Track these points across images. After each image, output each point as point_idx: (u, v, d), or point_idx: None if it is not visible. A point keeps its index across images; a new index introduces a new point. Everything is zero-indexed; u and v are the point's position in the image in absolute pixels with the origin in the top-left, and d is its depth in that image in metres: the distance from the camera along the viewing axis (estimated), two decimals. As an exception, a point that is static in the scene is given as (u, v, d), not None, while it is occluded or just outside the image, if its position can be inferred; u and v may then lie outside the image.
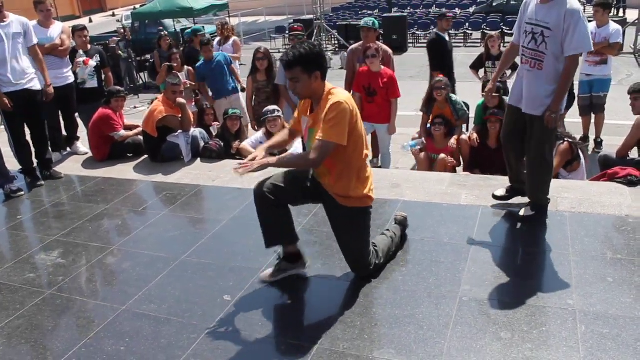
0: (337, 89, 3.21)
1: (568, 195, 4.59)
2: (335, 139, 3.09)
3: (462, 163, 6.23)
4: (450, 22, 8.22)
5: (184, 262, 3.96)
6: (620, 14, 21.13)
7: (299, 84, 3.15)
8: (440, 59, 7.71)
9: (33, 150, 5.86)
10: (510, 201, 4.46)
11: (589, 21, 7.51)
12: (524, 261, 3.69)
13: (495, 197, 4.52)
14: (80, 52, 6.99)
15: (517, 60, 4.23)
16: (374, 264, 3.52)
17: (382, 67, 6.25)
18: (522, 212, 4.26)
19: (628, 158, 5.38)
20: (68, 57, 6.64)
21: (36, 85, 5.61)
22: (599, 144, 7.50)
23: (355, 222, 3.40)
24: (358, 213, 3.38)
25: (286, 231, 3.49)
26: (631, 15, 18.21)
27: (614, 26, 7.25)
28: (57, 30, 6.47)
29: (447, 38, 7.96)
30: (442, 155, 6.00)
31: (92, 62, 7.05)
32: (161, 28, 15.95)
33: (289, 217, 3.47)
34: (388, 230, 3.87)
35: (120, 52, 14.67)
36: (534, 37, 3.82)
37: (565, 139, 5.38)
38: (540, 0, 3.81)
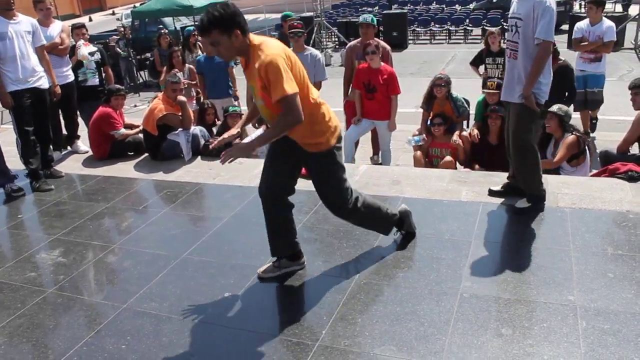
0: (265, 42, 3.08)
1: (568, 191, 4.58)
2: (290, 90, 2.96)
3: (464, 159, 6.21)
4: None
5: (184, 260, 3.96)
6: (620, 8, 21.02)
7: (221, 47, 3.04)
8: None
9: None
10: (510, 197, 4.46)
11: (583, 18, 7.58)
12: (525, 257, 3.68)
13: (490, 191, 4.61)
14: (80, 41, 7.05)
15: None
16: (351, 204, 3.49)
17: (382, 63, 6.24)
18: (518, 204, 4.31)
19: (629, 154, 5.37)
20: (68, 55, 6.64)
21: (44, 84, 5.63)
22: (593, 124, 7.58)
23: (323, 166, 3.37)
24: (322, 157, 3.32)
25: (292, 240, 3.58)
26: (633, 10, 18.15)
27: (607, 23, 7.27)
28: (57, 29, 6.48)
29: None
30: (448, 158, 5.99)
31: (93, 47, 7.14)
32: (161, 26, 15.92)
33: (293, 225, 3.55)
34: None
35: (119, 49, 14.64)
36: (511, 30, 4.06)
37: (574, 132, 5.37)
38: None
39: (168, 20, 19.21)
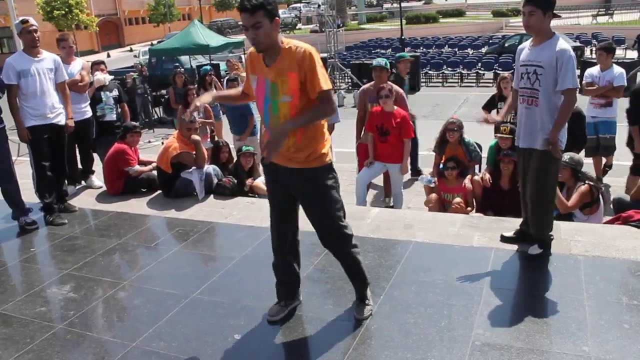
0: (292, 40, 3.14)
1: (582, 238, 4.55)
2: (329, 85, 3.04)
3: (474, 205, 6.20)
4: None
5: (195, 300, 3.95)
6: (630, 54, 21.16)
7: (261, 30, 2.98)
8: None
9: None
10: (522, 244, 4.43)
11: (593, 64, 7.66)
12: (538, 305, 3.64)
13: (503, 237, 4.58)
14: (98, 73, 7.25)
15: None
16: (352, 245, 3.41)
17: (395, 107, 6.31)
18: (530, 251, 4.28)
19: (642, 201, 5.33)
20: (87, 92, 6.78)
21: (62, 120, 5.76)
22: (605, 171, 7.63)
23: (322, 184, 3.25)
24: (323, 173, 3.25)
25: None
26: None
27: (617, 69, 7.34)
28: (78, 67, 6.64)
29: None
30: (458, 199, 5.99)
31: (108, 77, 7.31)
32: (177, 64, 16.20)
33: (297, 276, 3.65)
34: None
35: (137, 83, 14.91)
36: (528, 77, 4.05)
37: (587, 181, 5.36)
38: (532, 44, 4.09)
39: (184, 58, 19.57)
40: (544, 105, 4.00)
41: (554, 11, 3.97)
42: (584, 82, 7.57)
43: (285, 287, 3.65)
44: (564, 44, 3.93)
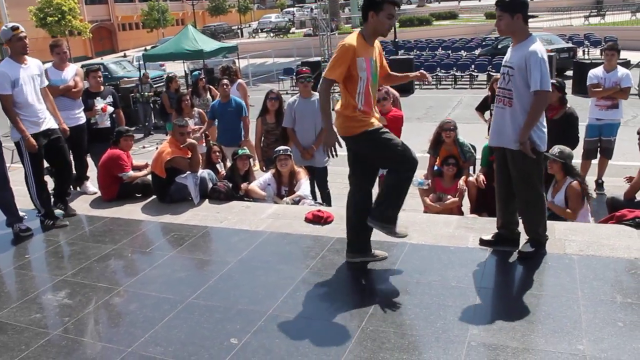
0: None
1: (576, 237, 4.57)
2: None
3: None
4: None
5: (190, 304, 3.94)
6: (624, 55, 21.23)
7: (370, 23, 4.00)
8: None
9: (54, 186, 5.98)
10: (500, 246, 4.44)
11: (598, 65, 7.63)
12: (533, 305, 3.65)
13: (481, 241, 4.56)
14: (98, 99, 7.15)
15: None
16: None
17: (393, 108, 6.34)
18: (522, 248, 4.30)
19: (636, 200, 5.35)
20: (80, 98, 6.76)
21: (53, 124, 5.71)
22: (600, 185, 7.51)
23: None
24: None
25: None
26: (634, 56, 18.34)
27: (622, 70, 7.28)
28: (71, 73, 6.63)
29: None
30: (453, 199, 6.00)
31: (110, 109, 7.23)
32: (106, 73, 16.57)
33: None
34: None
35: (139, 94, 14.90)
36: (504, 78, 4.14)
37: (577, 177, 5.37)
38: (511, 45, 4.20)
39: (113, 66, 19.74)
40: (517, 106, 4.05)
41: (529, 13, 4.04)
42: (588, 83, 7.49)
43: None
44: (535, 46, 3.96)
